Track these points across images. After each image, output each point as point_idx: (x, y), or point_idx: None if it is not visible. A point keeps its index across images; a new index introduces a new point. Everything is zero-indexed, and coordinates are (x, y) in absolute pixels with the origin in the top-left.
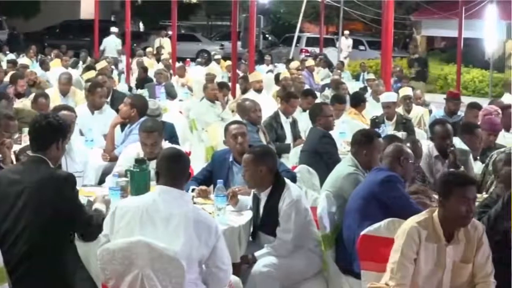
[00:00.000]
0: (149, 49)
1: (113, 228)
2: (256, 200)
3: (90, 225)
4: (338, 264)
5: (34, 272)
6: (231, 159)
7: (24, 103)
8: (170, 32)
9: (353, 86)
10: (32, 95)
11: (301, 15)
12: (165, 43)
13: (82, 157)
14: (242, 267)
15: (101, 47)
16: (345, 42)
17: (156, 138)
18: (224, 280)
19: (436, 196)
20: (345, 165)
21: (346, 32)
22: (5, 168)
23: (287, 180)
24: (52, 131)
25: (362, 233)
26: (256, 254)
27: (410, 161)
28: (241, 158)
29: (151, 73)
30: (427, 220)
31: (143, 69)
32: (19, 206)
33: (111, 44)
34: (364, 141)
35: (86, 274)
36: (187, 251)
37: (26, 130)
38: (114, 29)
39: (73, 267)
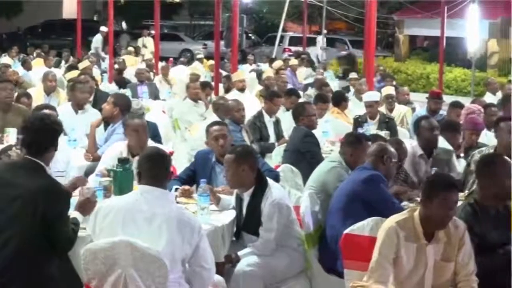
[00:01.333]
0: (130, 48)
1: (95, 228)
2: (239, 200)
3: (66, 242)
4: (321, 263)
5: (19, 278)
6: (213, 159)
7: None
8: (153, 32)
9: (335, 85)
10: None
11: (284, 14)
12: (147, 43)
13: (64, 156)
14: (225, 266)
15: (94, 45)
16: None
17: (140, 135)
18: (208, 280)
19: (417, 198)
20: (328, 161)
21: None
22: None
23: (270, 180)
24: (51, 135)
25: (345, 232)
26: (240, 253)
27: (393, 160)
28: (223, 159)
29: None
30: (407, 220)
31: (117, 71)
32: (10, 212)
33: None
34: (353, 142)
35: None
36: (170, 251)
37: (9, 130)
38: (103, 28)
39: (59, 271)
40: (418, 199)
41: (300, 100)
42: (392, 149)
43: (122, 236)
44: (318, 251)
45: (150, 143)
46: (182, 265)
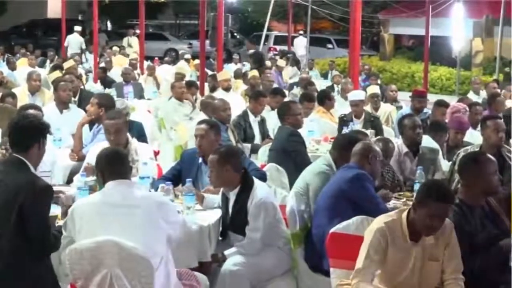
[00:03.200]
0: (115, 48)
1: (74, 229)
2: (225, 199)
3: (44, 242)
4: (307, 262)
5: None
6: (200, 159)
7: None
8: (138, 31)
9: (321, 84)
10: None
11: (269, 13)
12: (132, 42)
13: (49, 156)
14: (212, 265)
15: (65, 44)
16: (300, 42)
17: (118, 126)
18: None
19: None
20: (319, 164)
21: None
22: None
23: (256, 179)
24: (33, 131)
25: (331, 230)
26: (226, 252)
27: (379, 159)
28: (206, 159)
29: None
30: (395, 221)
31: (102, 70)
32: None
33: (75, 41)
34: (347, 147)
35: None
36: (159, 233)
37: None
38: (77, 27)
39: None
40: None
41: (286, 100)
42: (377, 148)
43: (106, 235)
44: (304, 250)
45: (135, 142)
46: (167, 243)
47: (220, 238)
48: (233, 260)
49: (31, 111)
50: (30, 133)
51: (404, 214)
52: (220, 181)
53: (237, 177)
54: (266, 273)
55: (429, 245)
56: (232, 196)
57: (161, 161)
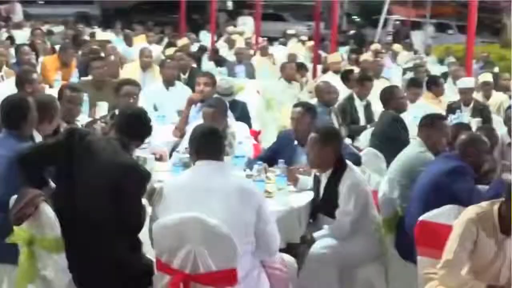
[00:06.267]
0: (231, 28)
1: (159, 209)
2: (317, 181)
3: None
4: (398, 249)
5: None
6: (296, 141)
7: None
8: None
9: (436, 70)
10: None
11: None
12: (246, 21)
13: None
14: (301, 247)
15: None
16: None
17: (215, 115)
18: (271, 245)
19: None
20: (412, 148)
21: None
22: None
23: (349, 163)
24: (139, 129)
25: (421, 218)
26: (315, 235)
27: (483, 152)
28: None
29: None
30: (487, 213)
31: (214, 51)
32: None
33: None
34: (426, 124)
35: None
36: (235, 221)
37: (100, 104)
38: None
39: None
40: None
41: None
42: (484, 139)
43: (192, 212)
44: (395, 237)
45: (233, 125)
46: (251, 234)
47: (310, 221)
48: (322, 243)
49: (128, 87)
50: (139, 130)
51: (496, 207)
52: (317, 161)
53: (334, 159)
54: (355, 258)
55: None
56: (324, 178)
57: (265, 141)
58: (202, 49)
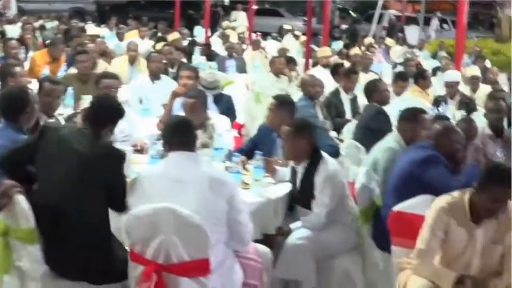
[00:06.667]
0: (225, 23)
1: (133, 199)
2: (294, 172)
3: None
4: (374, 239)
5: None
6: (276, 133)
7: None
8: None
9: (429, 65)
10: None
11: None
12: (239, 17)
13: (129, 121)
14: (277, 238)
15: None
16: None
17: (195, 106)
18: (245, 235)
19: None
20: (387, 140)
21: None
22: None
23: (325, 154)
24: (110, 114)
25: (395, 208)
26: (291, 226)
27: (457, 142)
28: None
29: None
30: (457, 202)
31: (206, 46)
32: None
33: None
34: (407, 118)
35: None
36: (208, 211)
37: (85, 97)
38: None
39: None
40: None
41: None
42: (458, 130)
43: (164, 203)
44: (372, 228)
45: (214, 118)
46: (223, 224)
47: (288, 212)
48: (298, 233)
49: (107, 80)
50: (108, 115)
51: (467, 195)
52: (292, 153)
53: (309, 151)
54: (331, 249)
55: (491, 228)
56: (301, 170)
57: (253, 134)
58: (193, 44)
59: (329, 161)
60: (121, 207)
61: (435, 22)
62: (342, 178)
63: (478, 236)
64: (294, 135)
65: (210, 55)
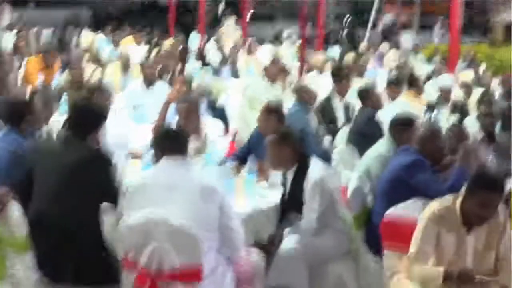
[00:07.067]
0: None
1: (125, 207)
2: (284, 178)
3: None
4: (368, 245)
5: None
6: None
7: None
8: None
9: (424, 69)
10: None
11: None
12: (228, 22)
13: (125, 128)
14: (270, 246)
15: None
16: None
17: (189, 112)
18: (238, 241)
19: None
20: (378, 147)
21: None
22: None
23: (313, 159)
24: (93, 119)
25: (386, 213)
26: (284, 232)
27: (442, 147)
28: None
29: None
30: (448, 208)
31: (200, 52)
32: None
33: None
34: (403, 125)
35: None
36: (199, 218)
37: None
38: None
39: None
40: None
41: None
42: (442, 135)
43: (157, 211)
44: (365, 233)
45: (208, 123)
46: (215, 231)
47: (280, 218)
48: (291, 240)
49: (99, 92)
50: (91, 120)
51: (458, 201)
52: (277, 162)
53: (294, 157)
54: (324, 255)
55: (482, 233)
56: (290, 176)
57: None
58: (185, 50)
59: (318, 166)
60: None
61: (438, 27)
62: (332, 183)
63: (468, 242)
64: (278, 144)
65: (204, 60)
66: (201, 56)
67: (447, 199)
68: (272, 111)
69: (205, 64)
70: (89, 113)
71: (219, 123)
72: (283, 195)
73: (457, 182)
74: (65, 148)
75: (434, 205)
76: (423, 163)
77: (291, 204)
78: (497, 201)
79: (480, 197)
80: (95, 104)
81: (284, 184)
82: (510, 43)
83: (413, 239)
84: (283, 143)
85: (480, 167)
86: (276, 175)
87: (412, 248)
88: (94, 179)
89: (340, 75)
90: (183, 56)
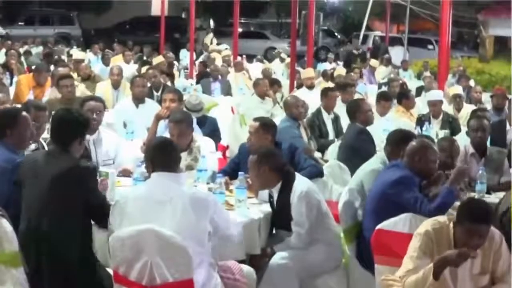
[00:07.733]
0: (211, 46)
1: (116, 220)
2: (270, 196)
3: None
4: (359, 259)
5: None
6: None
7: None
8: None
9: (413, 85)
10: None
11: (367, 13)
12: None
13: (114, 145)
14: (262, 260)
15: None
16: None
17: (182, 129)
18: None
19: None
20: (372, 161)
21: None
22: None
23: (298, 174)
24: (74, 127)
25: (378, 227)
26: (275, 246)
27: (431, 161)
28: None
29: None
30: (442, 229)
31: (203, 64)
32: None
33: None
34: (399, 143)
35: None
36: (190, 232)
37: None
38: None
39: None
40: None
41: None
42: (433, 148)
43: (148, 224)
44: (356, 247)
45: (199, 139)
46: (206, 245)
47: (272, 232)
48: (281, 254)
49: (91, 102)
50: (71, 128)
51: (451, 225)
52: (259, 182)
53: (276, 176)
54: (315, 268)
55: (476, 260)
56: (275, 193)
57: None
58: (172, 66)
59: (302, 181)
60: (102, 221)
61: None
62: (318, 195)
63: (462, 268)
64: (256, 163)
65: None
66: (191, 73)
67: (443, 218)
68: (264, 126)
69: (196, 81)
70: (67, 122)
71: (210, 140)
72: (272, 212)
73: (444, 203)
74: (48, 161)
75: (429, 223)
76: (411, 179)
77: (280, 221)
78: (484, 232)
79: (467, 227)
80: (74, 113)
81: (271, 202)
82: (500, 57)
83: (408, 255)
84: (262, 163)
85: (470, 198)
86: (264, 192)
87: (408, 264)
88: (75, 191)
89: (324, 90)
90: (171, 73)
